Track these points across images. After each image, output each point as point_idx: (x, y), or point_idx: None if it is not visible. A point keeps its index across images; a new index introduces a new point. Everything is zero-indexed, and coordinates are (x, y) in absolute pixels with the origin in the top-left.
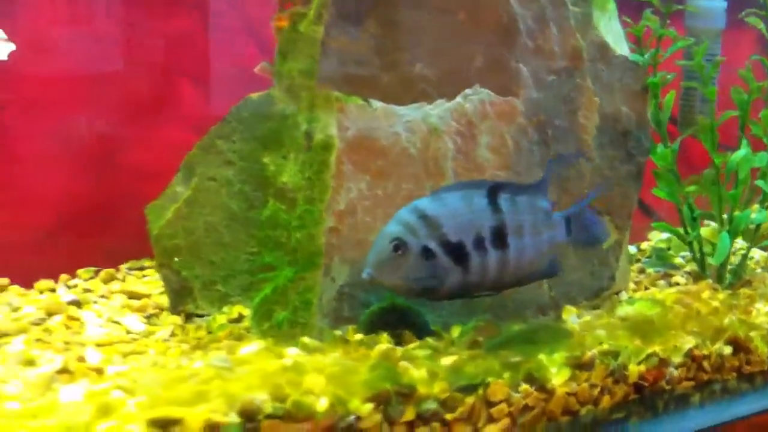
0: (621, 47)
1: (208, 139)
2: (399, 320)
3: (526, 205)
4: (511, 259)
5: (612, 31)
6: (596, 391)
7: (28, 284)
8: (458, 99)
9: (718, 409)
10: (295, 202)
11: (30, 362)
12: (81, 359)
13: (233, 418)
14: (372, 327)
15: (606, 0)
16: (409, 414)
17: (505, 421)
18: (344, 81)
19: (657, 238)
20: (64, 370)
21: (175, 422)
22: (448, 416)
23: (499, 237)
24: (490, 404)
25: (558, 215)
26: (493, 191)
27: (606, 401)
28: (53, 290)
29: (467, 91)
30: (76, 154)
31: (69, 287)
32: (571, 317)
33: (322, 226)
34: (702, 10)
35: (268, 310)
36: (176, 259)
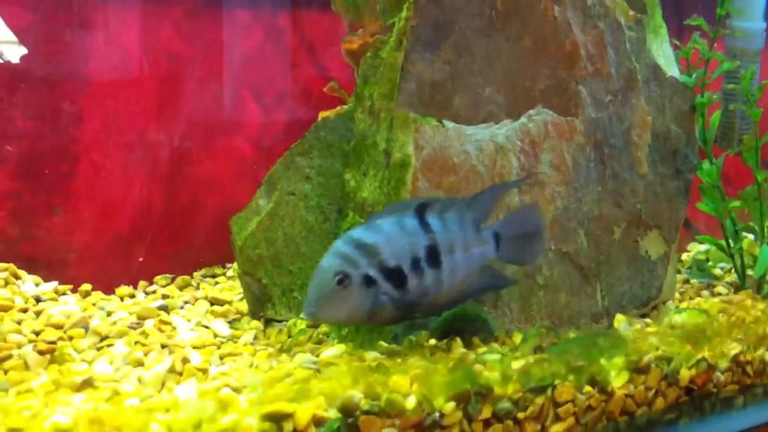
0: (672, 69)
1: (289, 156)
2: (468, 327)
3: (455, 221)
4: (444, 278)
5: (664, 54)
6: (651, 394)
7: (107, 289)
8: (523, 119)
9: (760, 411)
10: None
11: (138, 363)
12: (185, 360)
13: (334, 413)
14: (444, 333)
15: (659, 24)
16: (486, 412)
17: (570, 421)
18: (421, 103)
19: (696, 249)
20: (172, 370)
21: (287, 416)
22: (520, 415)
23: (433, 256)
24: (557, 404)
25: (487, 230)
26: (420, 210)
27: (660, 403)
28: (133, 296)
29: (531, 111)
30: (149, 166)
31: (147, 293)
32: (622, 325)
33: None
34: (742, 31)
35: None
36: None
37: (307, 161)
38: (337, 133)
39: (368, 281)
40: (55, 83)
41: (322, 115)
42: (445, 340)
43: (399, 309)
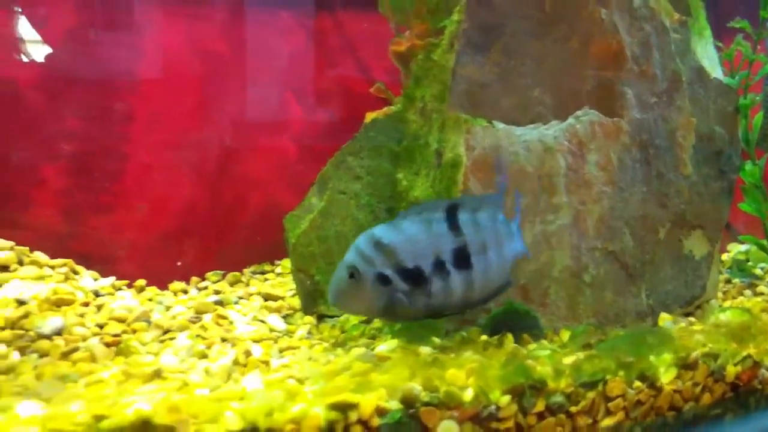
0: (715, 71)
1: (340, 156)
2: (517, 323)
3: (487, 220)
4: (476, 278)
5: (708, 56)
6: (698, 390)
7: (155, 285)
8: (570, 120)
9: None
10: None
11: (202, 355)
12: (248, 353)
13: (396, 404)
14: (495, 329)
15: (703, 27)
16: (540, 405)
17: (620, 415)
18: (471, 104)
19: (736, 250)
20: (236, 362)
21: (352, 406)
22: (572, 409)
23: (462, 258)
24: (608, 399)
25: (514, 223)
26: (452, 211)
27: (706, 398)
28: (185, 291)
29: (578, 112)
30: (196, 164)
31: (199, 289)
32: (667, 323)
33: None
34: None
35: None
36: None
37: (357, 161)
38: (386, 133)
39: (383, 280)
40: (105, 83)
41: (368, 115)
42: (496, 336)
43: (424, 307)
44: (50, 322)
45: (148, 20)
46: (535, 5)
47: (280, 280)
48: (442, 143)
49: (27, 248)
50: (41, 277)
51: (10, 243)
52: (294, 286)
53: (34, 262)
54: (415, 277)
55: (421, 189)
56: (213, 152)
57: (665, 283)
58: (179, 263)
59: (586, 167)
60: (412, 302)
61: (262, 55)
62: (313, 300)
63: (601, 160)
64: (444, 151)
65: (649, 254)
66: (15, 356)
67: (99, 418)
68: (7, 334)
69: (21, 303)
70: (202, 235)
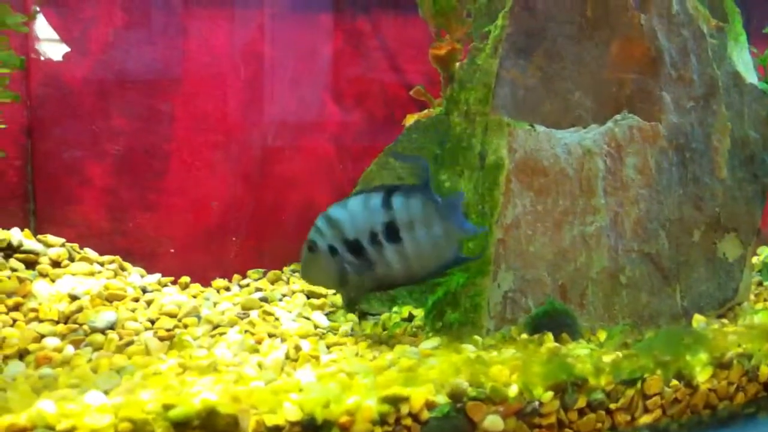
0: (751, 76)
1: (383, 157)
2: (556, 323)
3: (417, 202)
4: (409, 251)
5: (743, 61)
6: (732, 389)
7: (201, 281)
8: (609, 124)
9: None
10: (467, 216)
11: (254, 349)
12: (298, 348)
13: (443, 398)
14: (534, 328)
15: (739, 32)
16: (581, 402)
17: (657, 412)
18: (514, 108)
19: (766, 253)
20: (287, 356)
21: (403, 399)
22: (612, 405)
23: (392, 231)
24: (646, 397)
25: (447, 202)
26: (388, 193)
27: (740, 398)
28: (228, 288)
29: (617, 116)
30: (237, 163)
31: (241, 286)
32: (700, 325)
33: (492, 238)
34: None
35: (441, 311)
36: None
37: (400, 162)
38: (428, 135)
39: (332, 251)
40: (149, 84)
41: (408, 117)
42: (536, 335)
43: (369, 279)
44: (103, 316)
45: (191, 22)
46: (577, 10)
47: None
48: (485, 146)
49: (77, 245)
50: (92, 273)
51: (61, 240)
52: None
53: (84, 259)
54: (356, 248)
55: (464, 190)
56: (254, 152)
57: (699, 284)
58: (221, 260)
59: (624, 170)
60: (358, 272)
61: (300, 57)
62: (355, 298)
63: (639, 163)
64: (487, 153)
65: (684, 256)
66: (70, 349)
67: (168, 407)
68: (61, 327)
69: (74, 298)
70: (242, 234)
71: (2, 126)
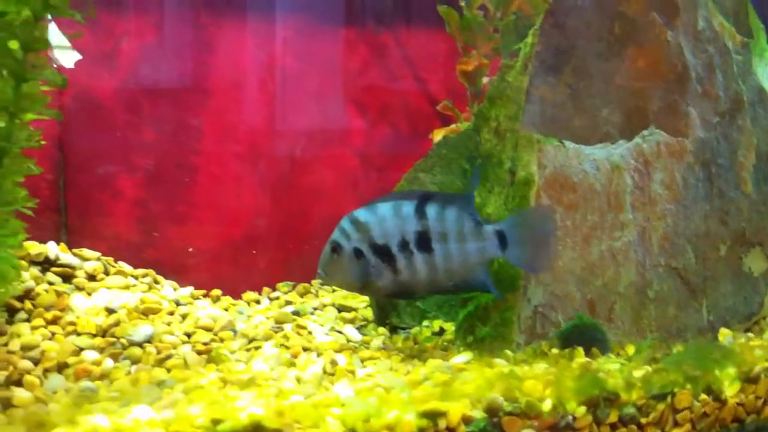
0: None
1: (413, 173)
2: (586, 337)
3: (453, 213)
4: (438, 263)
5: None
6: (760, 402)
7: (229, 294)
8: (637, 139)
9: None
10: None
11: (290, 363)
12: (334, 362)
13: (480, 413)
14: (565, 342)
15: (764, 48)
16: (613, 417)
17: (687, 426)
18: (543, 124)
19: None
20: (324, 371)
21: (441, 414)
22: (643, 420)
23: (424, 241)
24: (676, 411)
25: (490, 227)
26: (422, 201)
27: (767, 411)
28: (258, 302)
29: (644, 132)
30: (263, 176)
31: (271, 299)
32: (727, 339)
33: None
34: None
35: (472, 325)
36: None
37: (429, 177)
38: (457, 150)
39: (358, 253)
40: (178, 97)
41: (436, 132)
42: (566, 350)
43: (393, 284)
44: (141, 330)
45: (219, 38)
46: (605, 28)
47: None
48: (516, 162)
49: (111, 258)
50: (127, 287)
51: (97, 253)
52: (366, 298)
53: (119, 272)
54: (384, 252)
55: (494, 206)
56: (280, 164)
57: (725, 299)
58: (249, 272)
59: (651, 185)
60: (383, 277)
61: (326, 71)
62: (385, 312)
63: (666, 178)
64: (517, 169)
65: (711, 271)
66: (109, 363)
67: (216, 422)
68: (99, 341)
69: (111, 311)
70: (270, 246)
71: (42, 143)
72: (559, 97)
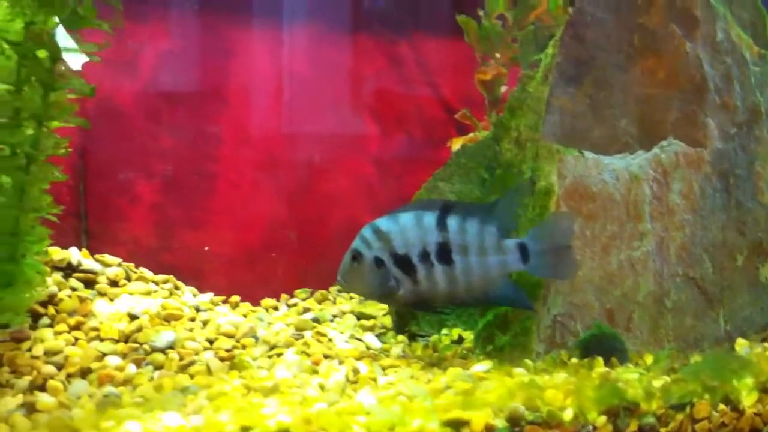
0: None
1: (432, 182)
2: (605, 346)
3: (475, 226)
4: (458, 275)
5: None
6: None
7: (249, 300)
8: (655, 150)
9: None
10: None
11: (313, 371)
12: (356, 370)
13: (502, 422)
14: (584, 352)
15: None
16: (633, 426)
17: None
18: (563, 135)
19: None
20: (347, 378)
21: (464, 423)
22: (662, 430)
23: (445, 253)
24: (694, 421)
25: (511, 241)
26: (444, 211)
27: None
28: (276, 308)
29: (663, 142)
30: (280, 183)
31: (289, 306)
32: (744, 349)
33: None
34: None
35: (491, 334)
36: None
37: (448, 186)
38: (476, 160)
39: (378, 262)
40: (196, 105)
41: (454, 141)
42: (586, 359)
43: (412, 294)
44: (164, 336)
45: (236, 45)
46: (625, 39)
47: (363, 300)
48: (536, 171)
49: (133, 264)
50: (148, 293)
51: (118, 259)
52: (384, 305)
53: (140, 278)
54: (404, 263)
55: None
56: (297, 171)
57: (742, 309)
58: (266, 279)
59: (669, 195)
60: (402, 287)
61: (342, 78)
62: (404, 320)
63: (684, 188)
64: (537, 179)
65: (728, 281)
66: (132, 368)
67: (245, 429)
68: (122, 347)
69: (133, 317)
70: (288, 252)
71: (68, 150)
72: (578, 107)
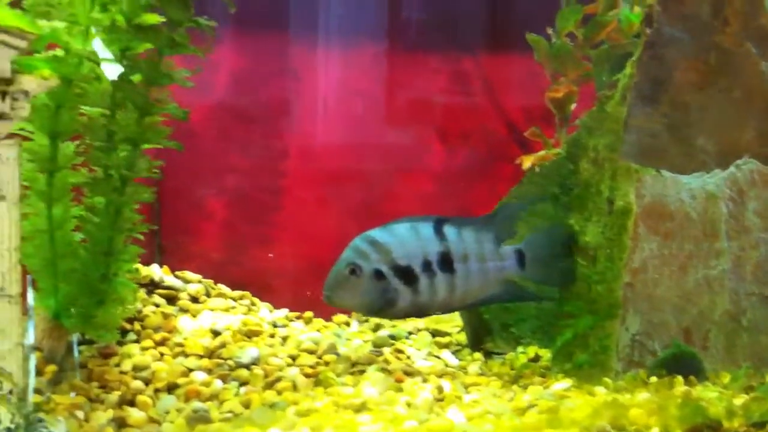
0: None
1: (507, 199)
2: (684, 365)
3: (471, 234)
4: (458, 283)
5: None
6: None
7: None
8: (731, 168)
9: None
10: (595, 259)
11: (397, 389)
12: (440, 388)
13: None
14: (664, 370)
15: None
16: None
17: None
18: (641, 154)
19: None
20: (433, 396)
21: None
22: None
23: (446, 262)
24: None
25: (509, 248)
26: (439, 223)
27: None
28: (348, 324)
29: (739, 161)
30: (345, 199)
31: (360, 322)
32: None
33: (620, 281)
34: None
35: (569, 352)
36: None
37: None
38: (550, 178)
39: (379, 275)
40: (265, 122)
41: (524, 160)
42: (665, 378)
43: (411, 305)
44: (248, 352)
45: (303, 65)
46: (701, 59)
47: (436, 316)
48: (614, 191)
49: (212, 281)
50: (228, 309)
51: (198, 276)
52: (459, 322)
53: (220, 294)
54: (407, 274)
55: (592, 234)
56: (361, 187)
57: None
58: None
59: (745, 214)
60: (402, 299)
61: (406, 96)
62: (479, 337)
63: (760, 207)
64: (615, 199)
65: None
66: (218, 384)
67: None
68: (207, 362)
69: (216, 333)
70: None
71: (159, 174)
72: (655, 127)
